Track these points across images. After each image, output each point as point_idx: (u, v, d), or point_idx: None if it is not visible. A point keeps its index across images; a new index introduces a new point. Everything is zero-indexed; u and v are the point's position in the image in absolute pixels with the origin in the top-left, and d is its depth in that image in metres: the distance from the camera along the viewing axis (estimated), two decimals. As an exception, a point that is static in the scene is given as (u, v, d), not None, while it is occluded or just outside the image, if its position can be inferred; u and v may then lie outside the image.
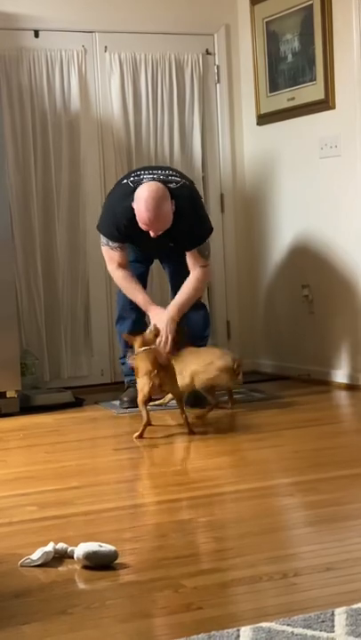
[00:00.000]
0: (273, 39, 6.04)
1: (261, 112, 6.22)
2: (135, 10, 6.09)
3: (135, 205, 4.91)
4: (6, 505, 3.52)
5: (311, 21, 5.67)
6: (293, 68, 5.89)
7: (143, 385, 4.63)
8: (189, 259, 5.10)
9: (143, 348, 4.76)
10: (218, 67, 6.37)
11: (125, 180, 5.14)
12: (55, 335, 5.99)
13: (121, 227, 5.03)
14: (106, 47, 6.06)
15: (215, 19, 6.33)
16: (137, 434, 4.59)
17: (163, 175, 5.09)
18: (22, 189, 5.86)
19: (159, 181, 4.99)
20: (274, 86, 6.08)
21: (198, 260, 5.09)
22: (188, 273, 5.19)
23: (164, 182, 5.01)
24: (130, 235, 5.07)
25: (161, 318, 4.98)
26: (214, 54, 6.37)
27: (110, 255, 5.17)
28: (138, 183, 5.01)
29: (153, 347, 4.77)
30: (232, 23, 6.36)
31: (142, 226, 4.91)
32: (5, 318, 5.30)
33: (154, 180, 5.01)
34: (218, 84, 6.39)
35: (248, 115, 6.36)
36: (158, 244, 5.10)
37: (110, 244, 5.14)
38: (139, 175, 5.13)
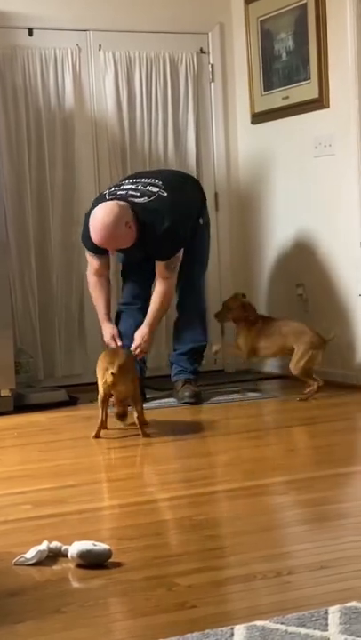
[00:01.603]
0: (267, 38, 6.04)
1: (256, 111, 6.22)
2: (129, 8, 6.09)
3: (90, 225, 5.00)
4: (1, 504, 3.52)
5: (305, 20, 5.67)
6: (288, 67, 5.89)
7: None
8: (157, 267, 5.16)
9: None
10: (212, 65, 6.37)
11: (105, 191, 5.24)
12: (49, 333, 5.98)
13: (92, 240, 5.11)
14: (100, 46, 6.06)
15: (209, 17, 6.33)
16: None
17: (142, 184, 5.16)
18: (16, 187, 5.86)
19: (132, 194, 5.06)
20: (268, 85, 6.08)
21: (163, 271, 5.14)
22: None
23: (140, 195, 5.07)
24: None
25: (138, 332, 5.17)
26: (208, 53, 6.37)
27: (90, 261, 5.29)
28: (113, 195, 5.12)
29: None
30: (226, 22, 6.36)
31: None
32: (-1, 316, 5.31)
33: (129, 192, 5.09)
34: (212, 83, 6.39)
35: (242, 113, 6.36)
36: (136, 254, 5.20)
37: (89, 252, 5.25)
38: (119, 185, 5.25)
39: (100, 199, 5.14)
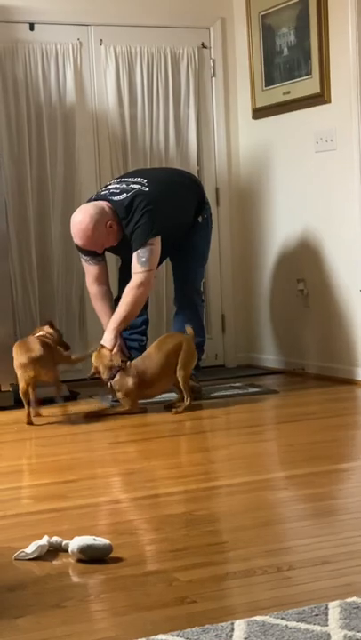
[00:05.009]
0: (269, 33, 6.03)
1: (257, 106, 6.21)
2: (131, 3, 6.08)
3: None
4: (1, 498, 3.52)
5: (307, 15, 5.67)
6: (289, 62, 5.88)
7: (19, 379, 4.85)
8: (132, 261, 5.11)
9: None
10: (213, 60, 6.37)
11: (94, 195, 5.27)
12: (50, 328, 5.98)
13: None
14: (101, 40, 6.05)
15: (211, 12, 6.32)
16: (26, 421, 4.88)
17: (126, 183, 5.18)
18: (17, 181, 5.86)
19: (113, 193, 5.10)
20: (269, 80, 6.07)
21: (134, 264, 5.09)
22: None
23: (119, 192, 5.09)
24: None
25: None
26: (210, 48, 6.36)
27: (85, 268, 5.30)
28: (97, 195, 5.17)
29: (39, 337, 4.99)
30: (228, 16, 6.35)
31: None
32: (0, 311, 5.30)
33: (111, 191, 5.12)
34: (213, 78, 6.38)
35: (243, 108, 6.35)
36: (126, 252, 5.17)
37: (83, 257, 5.26)
38: (106, 186, 5.28)
39: (90, 200, 5.20)
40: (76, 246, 5.25)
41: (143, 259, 5.04)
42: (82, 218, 5.01)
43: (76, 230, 5.03)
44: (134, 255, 5.05)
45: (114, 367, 4.98)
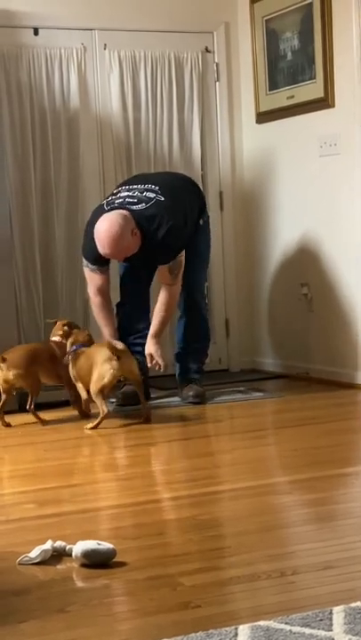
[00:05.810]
0: (272, 37, 6.04)
1: (261, 110, 6.22)
2: (135, 7, 6.09)
3: (95, 238, 4.98)
4: (4, 502, 3.53)
5: (311, 19, 5.67)
6: (293, 67, 5.89)
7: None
8: (159, 272, 5.13)
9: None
10: (217, 65, 6.37)
11: (104, 201, 5.22)
12: (54, 333, 5.98)
13: (96, 250, 5.05)
14: (105, 45, 6.06)
15: (215, 16, 6.32)
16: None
17: (139, 191, 5.14)
18: (21, 186, 5.86)
19: (129, 202, 5.05)
20: (273, 84, 6.08)
21: (166, 277, 5.10)
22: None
23: (137, 201, 5.05)
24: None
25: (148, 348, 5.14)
26: (214, 52, 6.37)
27: (90, 276, 5.26)
28: (111, 204, 5.09)
29: None
30: (232, 21, 6.36)
31: None
32: (4, 314, 5.31)
33: (126, 199, 5.07)
34: (217, 82, 6.39)
35: (247, 113, 6.36)
36: (142, 261, 5.17)
37: (89, 265, 5.22)
38: (115, 194, 5.21)
39: (100, 210, 5.14)
40: (86, 255, 5.20)
41: (175, 271, 5.10)
42: (109, 226, 4.94)
43: (103, 238, 4.94)
44: (165, 268, 5.07)
45: (78, 343, 5.03)
